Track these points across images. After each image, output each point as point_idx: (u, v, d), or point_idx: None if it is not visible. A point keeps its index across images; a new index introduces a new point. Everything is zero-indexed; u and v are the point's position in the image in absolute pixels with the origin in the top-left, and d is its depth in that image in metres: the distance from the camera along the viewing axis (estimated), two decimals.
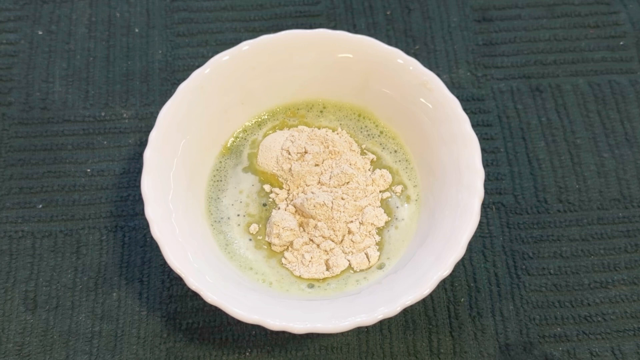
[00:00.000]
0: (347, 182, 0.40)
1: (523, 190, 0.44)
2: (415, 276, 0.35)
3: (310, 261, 0.38)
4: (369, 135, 0.42)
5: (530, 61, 0.49)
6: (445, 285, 0.41)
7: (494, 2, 0.51)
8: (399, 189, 0.40)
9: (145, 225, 0.42)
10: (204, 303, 0.40)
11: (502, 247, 0.42)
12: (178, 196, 0.37)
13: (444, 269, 0.34)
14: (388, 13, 0.51)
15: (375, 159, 0.41)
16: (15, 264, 0.42)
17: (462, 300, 0.41)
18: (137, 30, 0.50)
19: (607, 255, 0.42)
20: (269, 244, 0.39)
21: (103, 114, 0.46)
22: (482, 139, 0.45)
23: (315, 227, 0.38)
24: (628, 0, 0.51)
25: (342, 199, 0.39)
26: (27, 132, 0.46)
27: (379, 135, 0.42)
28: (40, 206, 0.43)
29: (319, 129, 0.42)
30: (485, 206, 0.43)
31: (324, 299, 0.37)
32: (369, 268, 0.38)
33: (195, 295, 0.39)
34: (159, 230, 0.35)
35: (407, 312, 0.40)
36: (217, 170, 0.41)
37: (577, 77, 0.48)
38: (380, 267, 0.38)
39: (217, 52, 0.40)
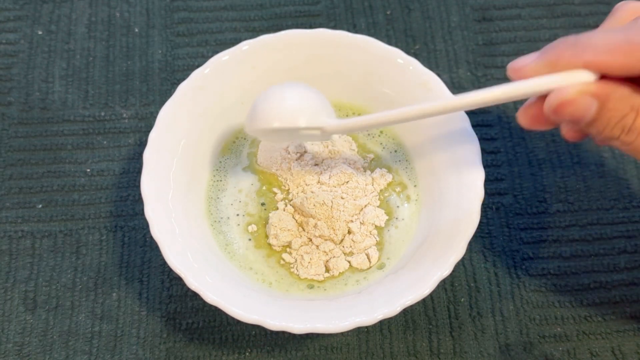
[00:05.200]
0: (347, 182, 0.40)
1: (523, 190, 0.44)
2: (415, 276, 0.35)
3: (309, 262, 0.38)
4: (369, 134, 0.42)
5: None
6: (445, 285, 0.41)
7: (494, 2, 0.51)
8: (398, 188, 0.40)
9: (145, 225, 0.42)
10: (204, 303, 0.40)
11: (502, 247, 0.42)
12: (178, 196, 0.37)
13: (444, 269, 0.34)
14: (388, 13, 0.51)
15: (375, 159, 0.41)
16: (15, 264, 0.42)
17: (462, 300, 0.41)
18: (137, 30, 0.50)
19: (607, 256, 0.42)
20: (269, 244, 0.39)
21: (103, 113, 0.46)
22: (482, 139, 0.45)
23: (315, 226, 0.38)
24: (628, 0, 0.51)
25: (342, 198, 0.39)
26: (26, 132, 0.46)
27: (379, 135, 0.42)
28: (40, 206, 0.43)
29: None
30: (485, 206, 0.43)
31: (324, 299, 0.37)
32: (369, 268, 0.38)
33: (195, 295, 0.39)
34: (158, 230, 0.35)
35: (407, 312, 0.40)
36: (217, 170, 0.41)
37: None
38: (381, 267, 0.38)
39: (217, 52, 0.40)
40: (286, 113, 0.35)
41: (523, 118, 0.31)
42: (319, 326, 0.33)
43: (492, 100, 0.30)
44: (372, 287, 0.36)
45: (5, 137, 0.46)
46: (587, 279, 0.41)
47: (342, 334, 0.39)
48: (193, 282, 0.34)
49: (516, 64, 0.30)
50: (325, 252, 0.38)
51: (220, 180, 0.41)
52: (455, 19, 0.50)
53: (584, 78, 0.28)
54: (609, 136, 0.29)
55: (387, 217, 0.39)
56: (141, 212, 0.42)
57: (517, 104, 0.47)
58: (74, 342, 0.39)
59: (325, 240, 0.38)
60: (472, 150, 0.37)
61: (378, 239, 0.39)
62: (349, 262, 0.38)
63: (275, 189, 0.40)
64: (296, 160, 0.40)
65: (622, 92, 0.28)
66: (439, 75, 0.40)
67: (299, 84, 0.36)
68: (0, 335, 0.40)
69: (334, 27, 0.50)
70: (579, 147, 0.45)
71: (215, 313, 0.40)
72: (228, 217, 0.40)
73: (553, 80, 0.28)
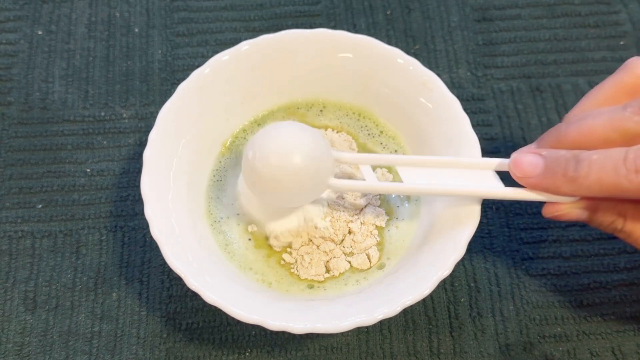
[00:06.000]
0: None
1: None
2: (415, 276, 0.35)
3: (309, 263, 0.38)
4: (369, 134, 0.42)
5: (530, 61, 0.49)
6: (445, 285, 0.41)
7: (494, 2, 0.51)
8: None
9: (145, 225, 0.42)
10: (204, 303, 0.39)
11: (502, 247, 0.42)
12: (178, 196, 0.37)
13: (444, 269, 0.34)
14: (388, 13, 0.51)
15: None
16: (14, 264, 0.42)
17: (462, 300, 0.41)
18: (137, 30, 0.50)
19: (607, 255, 0.42)
20: (269, 244, 0.39)
21: (103, 114, 0.46)
22: (482, 139, 0.45)
23: (315, 226, 0.38)
24: (628, 0, 0.51)
25: (342, 198, 0.39)
26: (26, 132, 0.46)
27: (379, 135, 0.42)
28: (40, 206, 0.43)
29: (319, 129, 0.42)
30: (485, 206, 0.43)
31: (324, 299, 0.37)
32: (370, 268, 0.38)
33: (195, 295, 0.39)
34: (158, 230, 0.35)
35: (407, 312, 0.40)
36: (217, 170, 0.41)
37: (577, 77, 0.48)
38: (381, 267, 0.38)
39: (217, 52, 0.40)
40: (296, 195, 0.35)
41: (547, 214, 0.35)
42: (319, 326, 0.33)
43: (498, 196, 0.35)
44: (372, 287, 0.36)
45: (5, 137, 0.46)
46: (587, 279, 0.41)
47: (342, 334, 0.39)
48: (193, 282, 0.34)
49: (520, 169, 0.33)
50: (325, 252, 0.38)
51: (220, 180, 0.41)
52: (455, 19, 0.50)
53: (573, 198, 0.33)
54: (604, 231, 0.34)
55: (387, 217, 0.39)
56: (141, 212, 0.42)
57: (517, 104, 0.47)
58: (74, 342, 0.39)
59: (326, 240, 0.38)
60: (471, 150, 0.37)
61: (379, 239, 0.39)
62: (349, 262, 0.38)
63: None
64: None
65: (608, 204, 0.33)
66: (439, 75, 0.40)
67: (300, 140, 0.34)
68: (0, 335, 0.40)
69: (334, 27, 0.50)
70: None
71: (215, 313, 0.40)
72: (228, 217, 0.40)
73: (550, 197, 0.33)
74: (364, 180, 0.36)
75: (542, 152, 0.33)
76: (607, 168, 0.30)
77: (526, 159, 0.33)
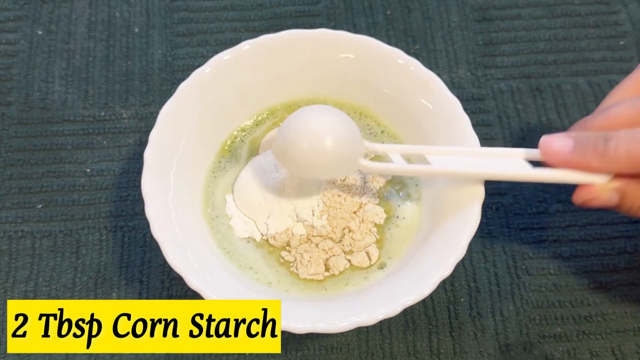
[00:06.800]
0: (344, 179, 0.40)
1: (523, 190, 0.44)
2: (415, 276, 0.35)
3: (309, 261, 0.38)
4: (370, 133, 0.42)
5: (530, 61, 0.49)
6: (445, 285, 0.41)
7: (494, 2, 0.51)
8: (398, 187, 0.40)
9: (145, 225, 0.42)
10: None
11: (502, 247, 0.42)
12: (178, 195, 0.37)
13: (445, 270, 0.34)
14: (388, 13, 0.51)
15: (375, 158, 0.41)
16: (14, 264, 0.42)
17: (462, 300, 0.41)
18: (136, 30, 0.50)
19: (607, 256, 0.42)
20: (268, 243, 0.39)
21: (103, 113, 0.46)
22: (482, 139, 0.45)
23: (312, 226, 0.38)
24: (628, 0, 0.51)
25: (339, 195, 0.39)
26: (26, 132, 0.46)
27: (380, 134, 0.42)
28: (40, 206, 0.43)
29: None
30: (485, 206, 0.43)
31: (324, 299, 0.37)
32: (370, 267, 0.38)
33: (195, 295, 0.39)
34: (159, 229, 0.35)
35: (407, 312, 0.40)
36: (217, 169, 0.41)
37: (577, 77, 0.48)
38: (381, 266, 0.38)
39: (217, 52, 0.40)
40: (330, 166, 0.36)
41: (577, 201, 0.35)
42: (319, 326, 0.33)
43: (528, 179, 0.35)
44: (372, 287, 0.36)
45: (5, 137, 0.46)
46: (587, 279, 0.41)
47: (342, 334, 0.39)
48: (193, 281, 0.34)
49: (551, 147, 0.34)
50: (324, 250, 0.38)
51: (220, 180, 0.41)
52: (455, 19, 0.50)
53: (605, 179, 0.33)
54: (633, 216, 0.34)
55: (386, 215, 0.39)
56: (141, 212, 0.42)
57: (517, 104, 0.47)
58: None
59: (324, 238, 0.39)
60: None
61: (378, 237, 0.39)
62: (349, 260, 0.38)
63: None
64: None
65: (638, 184, 0.33)
66: (439, 75, 0.40)
67: (333, 122, 0.36)
68: (1, 336, 0.40)
69: (334, 27, 0.50)
70: None
71: None
72: (228, 217, 0.40)
73: (581, 178, 0.33)
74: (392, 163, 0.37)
75: (572, 134, 0.34)
76: (636, 140, 0.31)
77: (557, 139, 0.34)
